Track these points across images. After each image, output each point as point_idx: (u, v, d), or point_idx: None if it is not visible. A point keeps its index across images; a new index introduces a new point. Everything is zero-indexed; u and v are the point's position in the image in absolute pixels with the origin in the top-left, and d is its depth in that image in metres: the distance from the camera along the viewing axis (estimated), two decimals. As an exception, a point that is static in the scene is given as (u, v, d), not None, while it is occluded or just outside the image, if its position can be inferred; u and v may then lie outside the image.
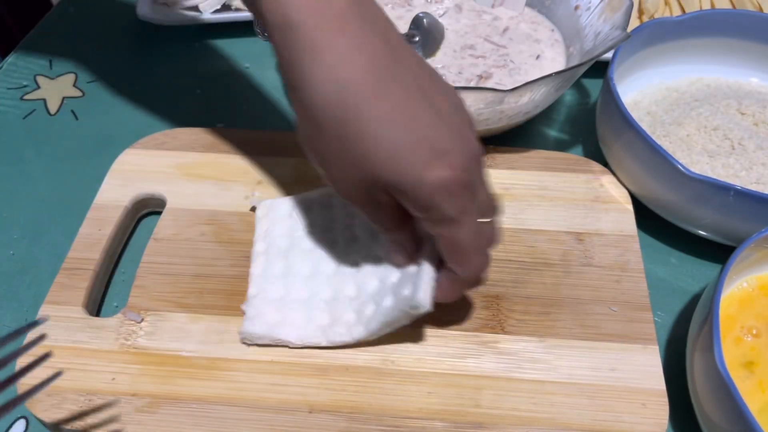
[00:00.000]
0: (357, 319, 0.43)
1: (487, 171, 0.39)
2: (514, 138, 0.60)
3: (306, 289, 0.45)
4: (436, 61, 0.61)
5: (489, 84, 0.59)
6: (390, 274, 0.44)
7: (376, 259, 0.45)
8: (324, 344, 0.43)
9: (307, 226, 0.48)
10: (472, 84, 0.59)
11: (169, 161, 0.54)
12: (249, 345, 0.43)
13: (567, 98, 0.66)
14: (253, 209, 0.50)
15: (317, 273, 0.46)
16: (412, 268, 0.42)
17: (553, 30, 0.64)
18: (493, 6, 0.67)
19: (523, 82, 0.59)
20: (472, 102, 0.49)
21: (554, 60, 0.62)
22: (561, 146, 0.61)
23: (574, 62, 0.59)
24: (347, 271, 0.46)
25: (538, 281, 0.47)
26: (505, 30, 0.64)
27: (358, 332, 0.42)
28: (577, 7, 0.61)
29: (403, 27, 0.63)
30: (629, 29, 0.53)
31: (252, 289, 0.45)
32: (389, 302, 0.42)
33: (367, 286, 0.44)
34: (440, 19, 0.65)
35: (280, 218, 0.49)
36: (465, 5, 0.67)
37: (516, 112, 0.53)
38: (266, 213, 0.50)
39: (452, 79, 0.59)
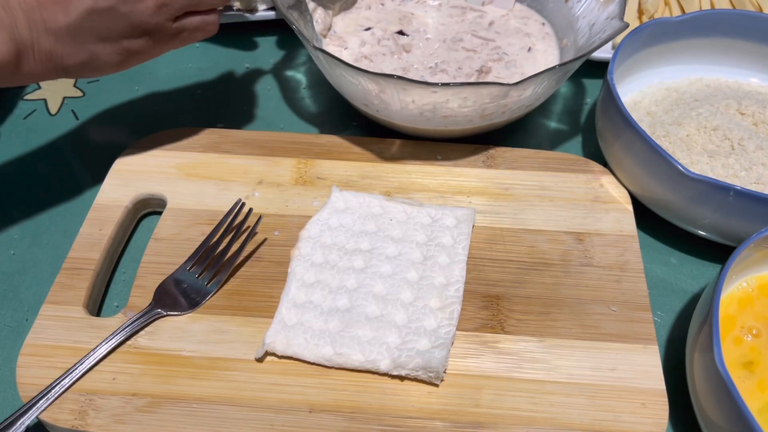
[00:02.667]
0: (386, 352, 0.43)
1: None
2: (514, 135, 0.60)
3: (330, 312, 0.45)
4: (433, 57, 0.61)
5: (489, 78, 0.59)
6: (423, 316, 0.44)
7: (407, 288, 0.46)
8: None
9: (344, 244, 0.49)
10: (473, 79, 0.59)
11: (169, 161, 0.55)
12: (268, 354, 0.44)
13: (567, 98, 0.66)
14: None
15: (341, 293, 0.46)
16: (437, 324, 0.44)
17: (543, 24, 0.65)
18: (483, 4, 0.67)
19: (521, 74, 0.60)
20: (477, 97, 0.49)
21: (546, 52, 0.62)
22: (561, 146, 0.61)
23: (569, 54, 0.60)
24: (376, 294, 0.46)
25: (538, 281, 0.48)
26: (491, 24, 0.65)
27: (386, 365, 0.42)
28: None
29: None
30: (629, 30, 0.53)
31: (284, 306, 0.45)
32: (423, 346, 0.43)
33: (394, 318, 0.45)
34: (426, 16, 0.65)
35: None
36: (451, 2, 0.67)
37: (519, 106, 0.53)
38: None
39: (453, 74, 0.60)
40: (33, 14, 0.43)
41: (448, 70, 0.60)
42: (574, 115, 0.64)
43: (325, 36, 0.62)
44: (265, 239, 0.50)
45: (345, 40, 0.62)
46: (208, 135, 0.57)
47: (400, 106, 0.51)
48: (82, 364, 0.42)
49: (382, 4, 0.67)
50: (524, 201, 0.53)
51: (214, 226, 0.49)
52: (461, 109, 0.51)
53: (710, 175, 0.50)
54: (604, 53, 0.62)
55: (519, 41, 0.63)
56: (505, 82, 0.53)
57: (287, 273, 0.47)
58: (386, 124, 0.56)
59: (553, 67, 0.49)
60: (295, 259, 0.48)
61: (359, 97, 0.53)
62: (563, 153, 0.56)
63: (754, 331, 0.43)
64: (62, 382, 0.41)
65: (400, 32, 0.63)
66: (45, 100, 0.65)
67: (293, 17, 0.54)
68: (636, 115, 0.57)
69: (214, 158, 0.55)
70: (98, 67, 0.47)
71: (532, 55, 0.62)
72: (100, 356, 0.43)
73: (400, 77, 0.47)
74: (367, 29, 0.64)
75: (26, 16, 0.43)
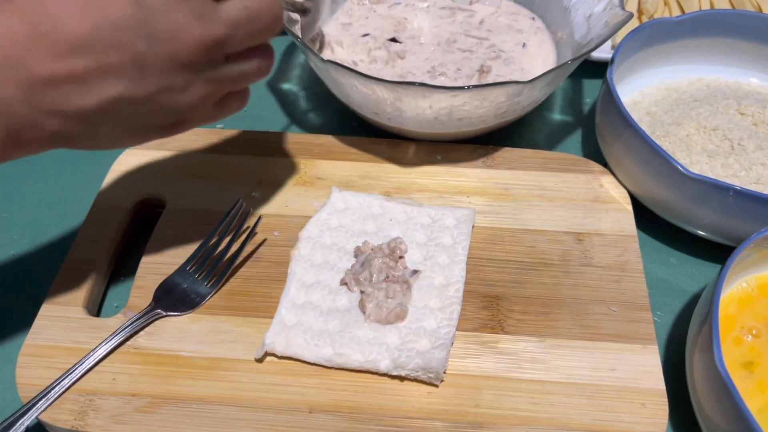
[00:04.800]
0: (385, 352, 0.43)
1: None
2: (514, 135, 0.60)
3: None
4: (429, 61, 0.61)
5: (490, 77, 0.59)
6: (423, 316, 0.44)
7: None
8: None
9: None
10: (474, 79, 0.59)
11: (169, 161, 0.55)
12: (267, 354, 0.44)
13: (567, 98, 0.66)
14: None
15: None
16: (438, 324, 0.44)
17: (533, 18, 0.65)
18: (470, 3, 0.67)
19: (521, 70, 0.59)
20: (494, 97, 0.50)
21: (541, 47, 0.63)
22: (561, 146, 0.61)
23: (565, 47, 0.61)
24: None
25: (538, 281, 0.48)
26: (481, 22, 0.65)
27: (385, 365, 0.42)
28: None
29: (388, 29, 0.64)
30: (628, 31, 0.53)
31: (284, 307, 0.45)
32: (423, 347, 0.42)
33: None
34: (417, 18, 0.66)
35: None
36: (439, 3, 0.68)
37: (530, 102, 0.53)
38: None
39: (454, 76, 0.59)
40: (35, 92, 0.32)
41: (447, 73, 0.60)
42: (574, 115, 0.64)
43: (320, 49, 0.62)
44: (265, 239, 0.50)
45: (335, 51, 0.62)
46: (208, 135, 0.57)
47: (416, 113, 0.51)
48: (81, 364, 0.42)
49: (374, 11, 0.67)
50: (524, 201, 0.53)
51: (213, 227, 0.49)
52: (477, 110, 0.51)
53: (710, 175, 0.50)
54: (603, 53, 0.62)
55: (512, 38, 0.63)
56: (506, 79, 0.53)
57: (287, 273, 0.47)
58: (394, 131, 0.56)
59: (566, 63, 0.49)
60: (294, 260, 0.48)
61: (371, 106, 0.53)
62: (563, 153, 0.56)
63: (754, 331, 0.43)
64: (62, 383, 0.41)
65: (393, 39, 0.63)
66: (45, 101, 0.65)
67: (297, 32, 0.54)
68: (636, 115, 0.57)
69: (214, 158, 0.55)
70: (110, 147, 0.39)
71: (528, 50, 0.62)
72: (100, 357, 0.43)
73: (422, 84, 0.47)
74: (365, 35, 0.63)
75: (26, 95, 0.32)
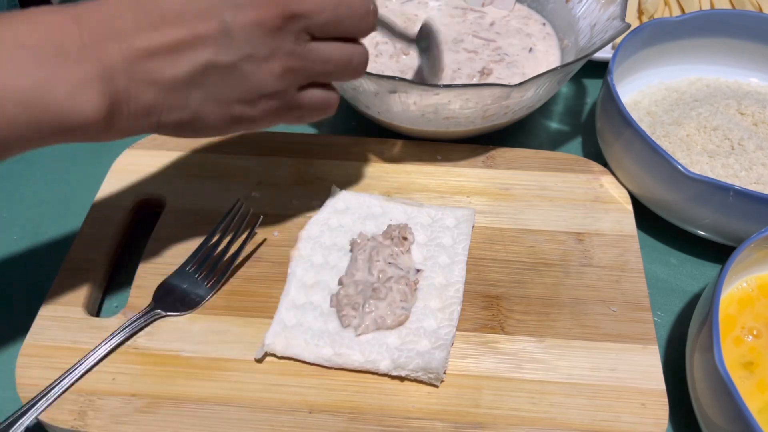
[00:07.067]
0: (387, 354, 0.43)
1: None
2: (514, 135, 0.60)
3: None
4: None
5: (490, 79, 0.59)
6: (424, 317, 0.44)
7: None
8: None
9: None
10: (474, 80, 0.59)
11: (169, 161, 0.55)
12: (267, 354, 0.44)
13: (567, 98, 0.66)
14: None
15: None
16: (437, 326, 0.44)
17: (544, 24, 0.65)
18: (483, 5, 0.67)
19: (522, 75, 0.59)
20: (479, 99, 0.49)
21: (548, 52, 0.62)
22: (561, 146, 0.61)
23: (570, 54, 0.60)
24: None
25: (538, 281, 0.48)
26: (492, 24, 0.65)
27: (385, 365, 0.42)
28: (568, 0, 0.62)
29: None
30: (629, 30, 0.53)
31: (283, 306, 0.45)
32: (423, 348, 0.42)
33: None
34: (428, 16, 0.65)
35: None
36: (452, 3, 0.67)
37: (520, 107, 0.53)
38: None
39: (451, 76, 0.60)
40: (134, 64, 0.34)
41: (447, 72, 0.60)
42: (574, 115, 0.64)
43: None
44: (265, 239, 0.50)
45: None
46: (208, 135, 0.57)
47: (402, 108, 0.51)
48: (81, 364, 0.42)
49: (386, 6, 0.67)
50: (524, 201, 0.52)
51: (213, 227, 0.49)
52: (463, 111, 0.51)
53: (710, 175, 0.50)
54: (604, 53, 0.62)
55: (520, 42, 0.63)
56: (506, 82, 0.53)
57: (287, 273, 0.47)
58: (387, 126, 0.56)
59: (555, 69, 0.49)
60: (294, 260, 0.48)
61: (361, 99, 0.53)
62: (563, 153, 0.56)
63: (754, 332, 0.43)
64: (62, 383, 0.41)
65: None
66: (44, 100, 0.65)
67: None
68: (636, 115, 0.57)
69: (214, 158, 0.55)
70: (199, 129, 0.40)
71: (534, 55, 0.62)
72: (100, 357, 0.43)
73: (402, 79, 0.47)
74: None
75: (127, 66, 0.34)
